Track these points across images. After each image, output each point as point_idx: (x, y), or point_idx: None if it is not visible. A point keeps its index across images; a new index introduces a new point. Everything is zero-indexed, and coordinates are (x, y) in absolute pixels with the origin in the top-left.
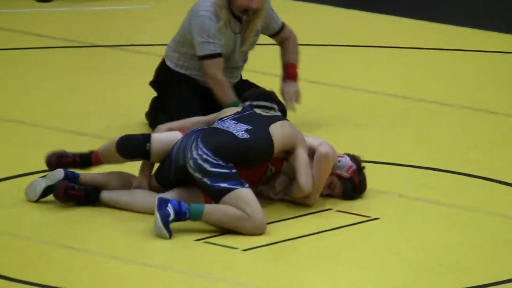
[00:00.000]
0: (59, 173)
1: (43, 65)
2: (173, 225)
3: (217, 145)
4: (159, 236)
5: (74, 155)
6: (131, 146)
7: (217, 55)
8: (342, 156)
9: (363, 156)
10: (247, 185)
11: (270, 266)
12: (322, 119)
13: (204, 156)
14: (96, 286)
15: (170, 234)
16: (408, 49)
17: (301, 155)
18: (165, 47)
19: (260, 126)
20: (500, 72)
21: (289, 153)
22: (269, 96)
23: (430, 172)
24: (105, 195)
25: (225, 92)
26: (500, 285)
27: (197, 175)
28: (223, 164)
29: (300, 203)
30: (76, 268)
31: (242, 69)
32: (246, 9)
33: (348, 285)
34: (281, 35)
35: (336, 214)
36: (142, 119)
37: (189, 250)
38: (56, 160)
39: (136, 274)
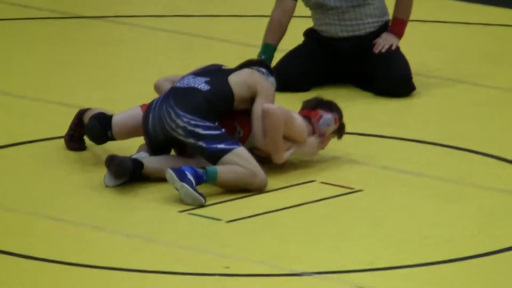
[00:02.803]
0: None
1: (28, 36)
2: (158, 196)
3: (195, 107)
4: (194, 204)
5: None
6: (95, 135)
7: None
8: (320, 115)
9: (346, 128)
10: (240, 143)
11: (254, 237)
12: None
13: (193, 122)
14: (79, 257)
15: (205, 198)
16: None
17: (256, 106)
18: (150, 18)
19: (219, 76)
20: (484, 44)
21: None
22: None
23: (413, 144)
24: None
25: (266, 31)
26: (484, 257)
27: (190, 140)
28: (211, 125)
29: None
30: (59, 238)
31: (370, 12)
32: None
33: (331, 257)
34: None
35: (320, 185)
36: (127, 89)
37: (173, 222)
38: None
39: (120, 245)
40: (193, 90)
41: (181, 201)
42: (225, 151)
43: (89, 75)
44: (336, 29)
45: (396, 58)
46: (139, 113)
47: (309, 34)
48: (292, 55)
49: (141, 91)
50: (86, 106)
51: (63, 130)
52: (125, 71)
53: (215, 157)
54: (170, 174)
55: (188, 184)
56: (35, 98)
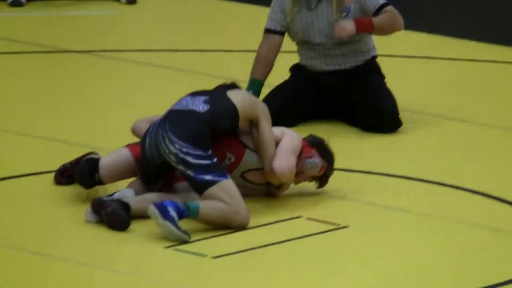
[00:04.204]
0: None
1: (15, 70)
2: (144, 231)
3: (188, 133)
4: (178, 241)
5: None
6: (83, 179)
7: (268, 30)
8: (311, 156)
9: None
10: (228, 175)
11: (239, 274)
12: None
13: (184, 150)
14: None
15: (189, 235)
16: (380, 56)
17: (266, 130)
18: (136, 52)
19: (217, 93)
20: (471, 81)
21: (252, 126)
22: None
23: (400, 180)
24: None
25: (253, 66)
26: None
27: (181, 167)
28: (203, 154)
29: (270, 192)
30: (42, 273)
31: (356, 48)
32: None
33: None
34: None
35: (306, 221)
36: (114, 121)
37: (159, 257)
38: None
39: (104, 281)
40: (190, 113)
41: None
42: (211, 183)
43: (76, 109)
44: (322, 63)
45: (382, 94)
46: (126, 154)
47: (296, 69)
48: (279, 90)
49: (129, 125)
50: (72, 140)
51: (48, 164)
52: (112, 105)
53: (201, 188)
54: (152, 211)
55: (171, 221)
56: (20, 132)
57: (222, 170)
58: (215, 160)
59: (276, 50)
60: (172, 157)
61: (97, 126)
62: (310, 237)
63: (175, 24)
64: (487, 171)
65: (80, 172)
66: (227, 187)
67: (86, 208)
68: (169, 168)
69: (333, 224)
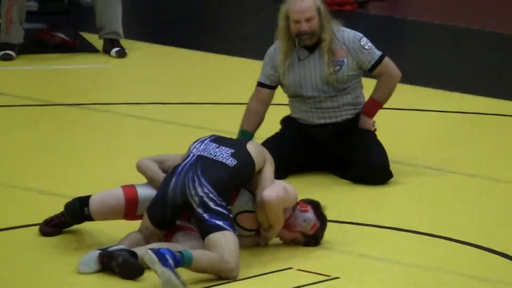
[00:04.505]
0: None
1: (4, 123)
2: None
3: (218, 182)
4: None
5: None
6: (72, 212)
7: (259, 84)
8: (306, 210)
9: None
10: (236, 231)
11: None
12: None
13: (211, 195)
14: None
15: (185, 286)
16: None
17: (268, 171)
18: (127, 105)
19: (240, 147)
20: (462, 132)
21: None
22: None
23: (391, 232)
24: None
25: (244, 118)
26: None
27: (199, 210)
28: (224, 204)
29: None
30: None
31: (347, 101)
32: (297, 34)
33: None
34: (375, 72)
35: (297, 272)
36: (105, 175)
37: None
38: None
39: None
40: (220, 165)
41: (159, 285)
42: (218, 228)
43: (65, 161)
44: (313, 116)
45: (373, 146)
46: (118, 193)
47: (286, 122)
48: (269, 142)
49: (118, 177)
50: (62, 192)
51: (39, 216)
52: (102, 157)
53: (208, 230)
54: (150, 256)
55: (170, 269)
56: (10, 185)
57: (233, 225)
58: (231, 214)
59: (266, 103)
60: (196, 198)
61: (87, 178)
62: None
63: (165, 77)
64: (478, 222)
65: (71, 206)
66: (230, 238)
67: (76, 257)
68: (185, 209)
69: (324, 275)
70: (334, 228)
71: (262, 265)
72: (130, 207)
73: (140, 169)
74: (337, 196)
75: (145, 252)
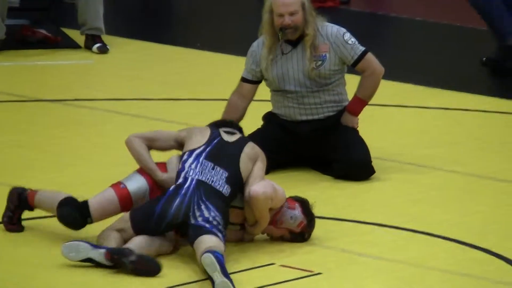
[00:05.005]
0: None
1: None
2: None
3: (219, 208)
4: None
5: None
6: (75, 224)
7: (242, 79)
8: (294, 208)
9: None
10: (225, 245)
11: None
12: None
13: (218, 219)
14: None
15: None
16: None
17: (259, 168)
18: (109, 101)
19: (233, 162)
20: (443, 129)
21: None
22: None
23: (373, 227)
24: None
25: (224, 112)
26: None
27: (196, 225)
28: (224, 224)
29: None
30: None
31: (329, 98)
32: (281, 28)
33: None
34: (358, 67)
35: (279, 268)
36: (87, 172)
37: None
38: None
39: None
40: (218, 193)
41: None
42: (211, 232)
43: (47, 157)
44: (295, 112)
45: (355, 143)
46: (113, 195)
47: (268, 117)
48: (251, 138)
49: (101, 174)
50: (43, 188)
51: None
52: (84, 154)
53: (200, 231)
54: (211, 260)
55: (230, 281)
56: None
57: (225, 237)
58: (225, 231)
59: (248, 98)
60: (200, 219)
61: (68, 175)
62: (283, 284)
63: (147, 73)
64: (460, 218)
65: (71, 217)
66: (218, 245)
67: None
68: (179, 227)
69: (307, 271)
70: (316, 224)
71: (243, 261)
72: (126, 206)
73: (130, 148)
74: (319, 192)
75: (200, 254)
